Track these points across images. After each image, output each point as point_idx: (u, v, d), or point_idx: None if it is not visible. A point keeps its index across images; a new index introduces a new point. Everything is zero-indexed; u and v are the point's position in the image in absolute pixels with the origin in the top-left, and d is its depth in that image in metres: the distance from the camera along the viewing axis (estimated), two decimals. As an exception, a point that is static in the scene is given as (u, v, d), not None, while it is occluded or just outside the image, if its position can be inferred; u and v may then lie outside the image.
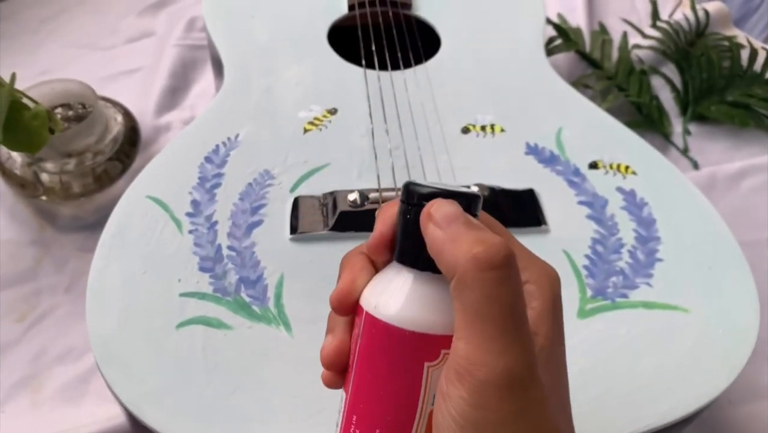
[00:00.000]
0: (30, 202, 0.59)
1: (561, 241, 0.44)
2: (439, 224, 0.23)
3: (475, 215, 0.24)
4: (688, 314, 0.42)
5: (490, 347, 0.21)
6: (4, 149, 0.59)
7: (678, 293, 0.43)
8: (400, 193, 0.30)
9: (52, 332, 0.54)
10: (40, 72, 0.70)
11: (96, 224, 0.58)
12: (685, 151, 0.67)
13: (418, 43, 0.58)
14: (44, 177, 0.58)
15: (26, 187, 0.58)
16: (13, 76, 0.52)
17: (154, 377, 0.37)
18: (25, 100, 0.54)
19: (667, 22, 0.75)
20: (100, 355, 0.38)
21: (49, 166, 0.57)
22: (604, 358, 0.39)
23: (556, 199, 0.47)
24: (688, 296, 0.43)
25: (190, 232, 0.44)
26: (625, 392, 0.38)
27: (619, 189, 0.48)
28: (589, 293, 0.42)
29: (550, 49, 0.70)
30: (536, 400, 0.22)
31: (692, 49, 0.73)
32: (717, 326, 0.41)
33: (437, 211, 0.23)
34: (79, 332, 0.53)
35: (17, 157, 0.58)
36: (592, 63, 0.73)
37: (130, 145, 0.61)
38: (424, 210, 0.24)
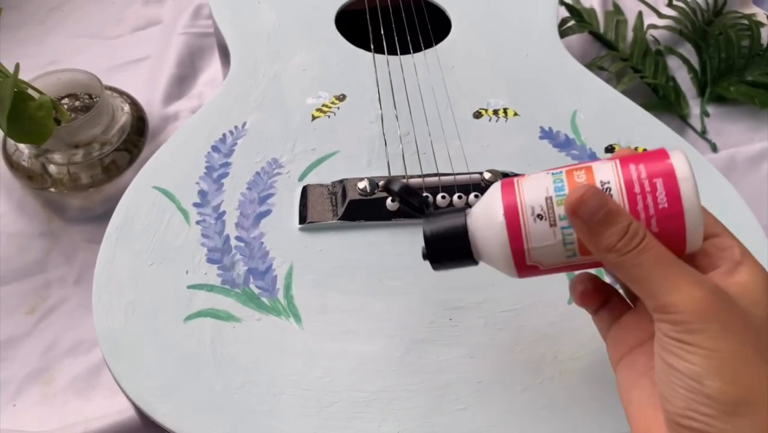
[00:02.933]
0: (38, 194, 0.59)
1: (577, 227, 0.43)
2: None
3: None
4: (710, 301, 0.41)
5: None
6: (11, 141, 0.58)
7: (699, 280, 0.41)
8: None
9: (62, 324, 0.53)
10: (47, 62, 0.69)
11: (105, 214, 0.57)
12: (703, 133, 0.66)
13: (428, 26, 0.57)
14: (52, 168, 0.57)
15: (34, 179, 0.58)
16: (17, 67, 0.51)
17: (162, 371, 0.37)
18: (30, 91, 0.54)
19: (684, 1, 0.73)
20: (108, 349, 0.37)
21: (57, 157, 0.57)
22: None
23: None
24: (709, 282, 0.41)
25: (198, 222, 0.43)
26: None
27: (637, 173, 0.47)
28: (606, 280, 0.41)
29: (563, 31, 0.69)
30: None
31: (710, 28, 0.71)
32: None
33: None
34: (89, 324, 0.52)
35: (24, 149, 0.58)
36: (606, 44, 0.71)
37: (138, 135, 0.61)
38: None
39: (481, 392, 0.37)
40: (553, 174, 0.29)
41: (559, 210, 0.28)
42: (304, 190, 0.45)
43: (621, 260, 0.27)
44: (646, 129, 0.51)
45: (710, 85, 0.68)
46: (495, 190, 0.30)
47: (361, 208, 0.44)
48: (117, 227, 0.43)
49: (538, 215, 0.28)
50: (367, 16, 0.57)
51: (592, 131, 0.50)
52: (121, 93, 0.63)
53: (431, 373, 0.37)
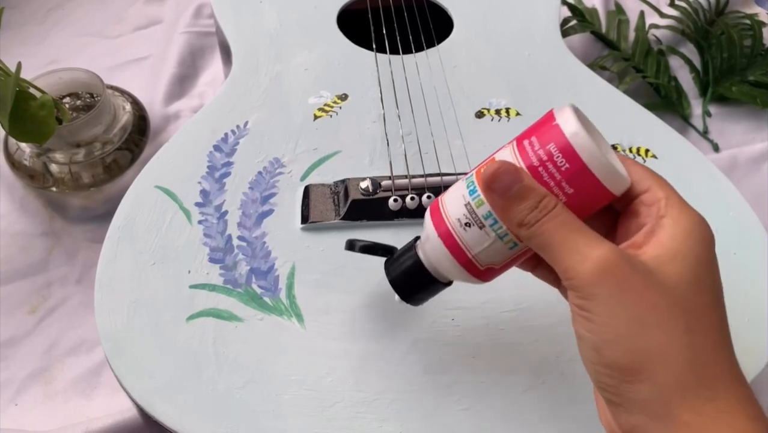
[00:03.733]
0: (40, 194, 0.59)
1: (579, 227, 0.43)
2: None
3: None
4: (712, 301, 0.41)
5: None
6: (13, 140, 0.58)
7: (701, 281, 0.41)
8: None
9: (63, 323, 0.53)
10: (48, 62, 0.69)
11: (106, 214, 0.57)
12: (704, 134, 0.66)
13: (429, 25, 0.57)
14: (53, 168, 0.57)
15: (35, 178, 0.58)
16: (19, 66, 0.51)
17: (165, 371, 0.37)
18: (31, 90, 0.54)
19: (686, 0, 0.73)
20: (110, 349, 0.37)
21: (58, 156, 0.57)
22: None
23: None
24: (711, 283, 0.41)
25: (200, 222, 0.43)
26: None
27: (639, 173, 0.47)
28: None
29: (565, 30, 0.68)
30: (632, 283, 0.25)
31: (712, 28, 0.71)
32: (742, 315, 0.40)
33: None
34: (90, 323, 0.53)
35: (26, 149, 0.58)
36: (608, 44, 0.71)
37: (139, 135, 0.61)
38: None
39: (483, 392, 0.37)
40: (465, 180, 0.30)
41: (480, 210, 0.29)
42: (306, 190, 0.45)
43: (530, 233, 0.27)
44: (649, 129, 0.51)
45: (712, 85, 0.68)
46: (427, 217, 0.32)
47: (364, 208, 0.44)
48: (119, 227, 0.43)
49: (466, 224, 0.29)
50: (369, 15, 0.57)
51: (595, 131, 0.50)
52: (123, 92, 0.63)
53: (433, 373, 0.37)
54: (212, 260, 0.41)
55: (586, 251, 0.25)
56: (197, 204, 0.44)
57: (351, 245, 0.36)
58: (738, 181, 0.60)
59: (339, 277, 0.41)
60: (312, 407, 0.36)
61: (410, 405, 0.36)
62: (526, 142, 0.29)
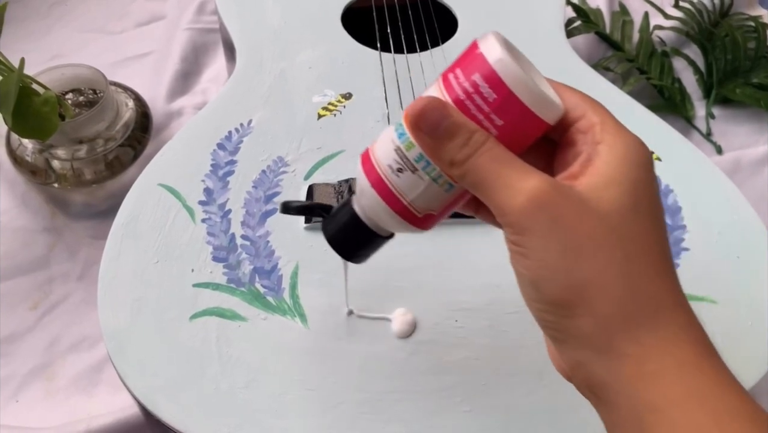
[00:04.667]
0: (42, 190, 0.59)
1: (583, 229, 0.43)
2: None
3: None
4: (716, 305, 0.41)
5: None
6: (15, 136, 0.58)
7: (705, 284, 0.41)
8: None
9: (65, 320, 0.53)
10: (50, 57, 0.69)
11: (108, 211, 0.58)
12: (708, 136, 0.66)
13: (434, 24, 0.57)
14: (55, 164, 0.57)
15: (37, 174, 0.57)
16: (22, 62, 0.51)
17: (168, 370, 0.37)
18: (34, 86, 0.53)
19: (690, 2, 0.73)
20: (113, 347, 0.37)
21: (60, 153, 0.57)
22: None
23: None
24: (715, 286, 0.41)
25: (203, 221, 0.43)
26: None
27: (643, 176, 0.47)
28: (612, 283, 0.41)
29: (569, 31, 0.68)
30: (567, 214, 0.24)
31: (716, 30, 0.71)
32: (746, 318, 0.40)
33: None
34: (91, 320, 0.53)
35: (28, 144, 0.58)
36: (612, 45, 0.71)
37: (142, 131, 0.61)
38: None
39: (487, 393, 0.37)
40: (394, 124, 0.29)
41: (411, 154, 0.27)
42: (310, 189, 0.45)
43: (461, 171, 0.26)
44: (653, 131, 0.51)
45: (716, 87, 0.68)
46: (358, 168, 0.30)
47: (367, 207, 0.43)
48: (122, 224, 0.42)
49: (398, 169, 0.28)
50: (374, 13, 0.57)
51: (599, 133, 0.49)
52: (126, 89, 0.63)
53: (437, 374, 0.37)
54: (216, 259, 0.41)
55: (517, 185, 0.24)
56: (201, 202, 0.44)
57: (286, 208, 0.35)
58: (740, 184, 0.59)
59: (342, 277, 0.41)
60: (315, 408, 0.36)
61: (413, 406, 0.36)
62: (451, 76, 0.27)
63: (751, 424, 0.22)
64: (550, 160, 0.28)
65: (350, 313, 0.39)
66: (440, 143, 0.26)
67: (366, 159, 0.29)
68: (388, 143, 0.28)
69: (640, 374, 0.23)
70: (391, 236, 0.32)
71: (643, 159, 0.25)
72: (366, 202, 0.30)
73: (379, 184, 0.29)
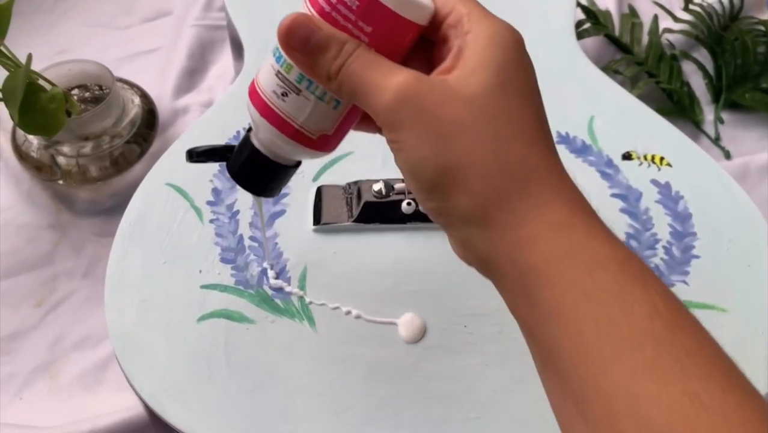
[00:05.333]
0: (47, 186, 0.58)
1: (593, 235, 0.43)
2: None
3: None
4: (726, 313, 0.40)
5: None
6: (21, 132, 0.58)
7: (715, 292, 0.41)
8: None
9: (69, 317, 0.53)
10: (56, 52, 0.69)
11: (113, 208, 0.57)
12: (716, 141, 0.65)
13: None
14: (61, 160, 0.57)
15: (42, 170, 0.57)
16: (29, 57, 0.51)
17: (175, 372, 0.36)
18: (41, 82, 0.53)
19: (700, 5, 0.72)
20: (120, 349, 0.37)
21: (66, 149, 0.56)
22: (638, 359, 0.38)
23: (588, 192, 0.45)
24: (725, 294, 0.41)
25: (211, 221, 0.43)
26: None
27: (654, 181, 0.47)
28: (622, 290, 0.41)
29: (578, 33, 0.68)
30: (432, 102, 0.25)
31: (726, 34, 0.70)
32: (756, 327, 0.40)
33: None
34: (96, 318, 0.53)
35: (33, 140, 0.57)
36: (621, 47, 0.71)
37: (148, 128, 0.60)
38: None
39: (496, 400, 0.36)
40: (272, 49, 0.29)
41: (291, 75, 0.27)
42: (319, 190, 0.45)
43: (337, 83, 0.26)
44: (664, 136, 0.50)
45: (725, 92, 0.67)
46: (247, 102, 0.30)
47: (377, 210, 0.43)
48: (130, 224, 0.42)
49: (282, 93, 0.28)
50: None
51: (609, 138, 0.49)
52: (132, 85, 0.63)
53: (445, 380, 0.37)
54: (224, 260, 0.41)
55: (384, 84, 0.25)
56: (209, 203, 0.44)
57: (191, 155, 0.35)
58: (749, 190, 0.59)
59: (351, 280, 0.41)
60: (324, 412, 0.36)
61: (422, 412, 0.36)
62: None
63: (620, 268, 0.23)
64: (433, 61, 0.28)
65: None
66: (313, 58, 0.26)
67: (252, 90, 0.29)
68: (269, 69, 0.28)
69: (517, 240, 0.24)
70: (297, 164, 0.32)
71: (511, 41, 0.26)
72: (262, 135, 0.30)
73: (267, 112, 0.28)
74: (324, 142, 0.29)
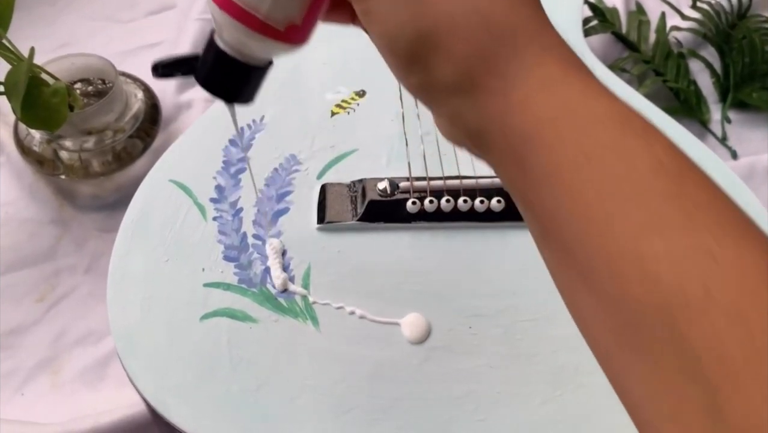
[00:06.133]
0: (49, 181, 0.58)
1: (600, 236, 0.42)
2: None
3: None
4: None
5: None
6: (23, 126, 0.57)
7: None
8: None
9: (71, 313, 0.53)
10: (58, 45, 0.68)
11: (116, 203, 0.57)
12: (723, 140, 0.65)
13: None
14: (63, 155, 0.57)
15: (45, 164, 0.57)
16: (32, 51, 0.50)
17: (178, 371, 0.36)
18: (44, 76, 0.53)
19: (708, 3, 0.72)
20: (122, 347, 0.37)
21: (68, 143, 0.56)
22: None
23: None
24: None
25: (215, 219, 0.42)
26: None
27: (661, 182, 0.46)
28: (628, 292, 0.40)
29: (585, 30, 0.67)
30: None
31: (733, 32, 0.70)
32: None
33: None
34: (98, 314, 0.52)
35: (36, 134, 0.57)
36: (628, 45, 0.70)
37: (151, 123, 0.60)
38: None
39: (500, 402, 0.36)
40: None
41: None
42: (323, 188, 0.44)
43: None
44: (670, 135, 0.49)
45: (732, 91, 0.67)
46: (208, 1, 0.28)
47: (381, 209, 0.43)
48: (132, 221, 0.42)
49: None
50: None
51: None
52: (135, 79, 0.62)
53: (450, 382, 0.37)
54: (227, 258, 0.41)
55: None
56: (212, 200, 0.43)
57: (155, 69, 0.32)
58: (755, 190, 0.59)
59: (355, 280, 0.40)
60: (327, 413, 0.35)
61: (426, 414, 0.36)
62: None
63: (620, 124, 0.21)
64: None
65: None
66: None
67: None
68: None
69: (508, 105, 0.22)
70: (268, 64, 0.30)
71: None
72: (226, 34, 0.28)
73: (228, 6, 0.26)
74: (292, 34, 0.27)
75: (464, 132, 0.24)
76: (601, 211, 0.20)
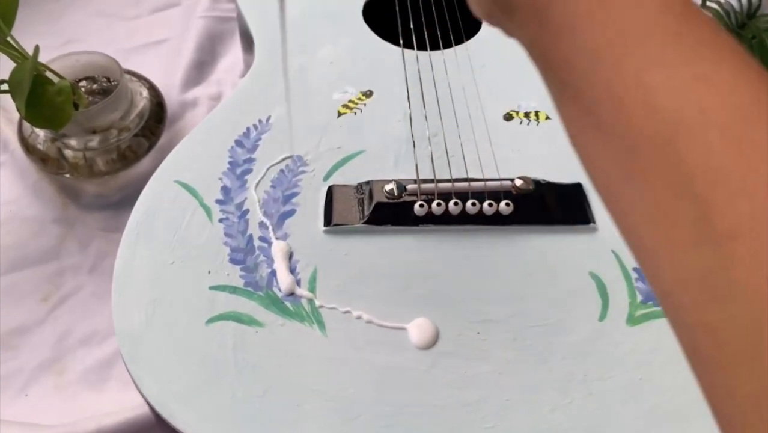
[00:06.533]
0: (54, 179, 0.58)
1: (610, 241, 0.42)
2: None
3: None
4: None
5: None
6: (27, 124, 0.57)
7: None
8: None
9: (75, 313, 0.52)
10: (63, 42, 0.68)
11: (120, 202, 0.57)
12: (733, 141, 0.64)
13: (458, 20, 0.55)
14: (68, 153, 0.56)
15: (49, 163, 0.56)
16: (37, 49, 0.50)
17: (183, 376, 0.36)
18: (48, 74, 0.52)
19: (717, 2, 0.71)
20: (127, 351, 0.36)
21: (73, 142, 0.56)
22: (655, 369, 0.37)
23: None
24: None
25: (221, 220, 0.42)
26: (678, 407, 0.36)
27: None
28: (639, 297, 0.40)
29: (594, 29, 0.67)
30: None
31: (743, 32, 0.69)
32: None
33: None
34: (102, 315, 0.52)
35: (40, 133, 0.56)
36: (637, 44, 0.69)
37: (156, 122, 0.59)
38: None
39: (509, 410, 0.36)
40: None
41: None
42: (330, 190, 0.44)
43: None
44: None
45: (742, 92, 0.66)
46: None
47: (388, 212, 0.42)
48: (137, 223, 0.41)
49: None
50: (397, 8, 0.55)
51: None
52: (140, 77, 0.62)
53: (458, 388, 0.36)
54: (233, 261, 0.40)
55: None
56: (218, 201, 0.43)
57: None
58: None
59: (362, 283, 0.40)
60: (334, 419, 0.35)
61: (434, 421, 0.35)
62: None
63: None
64: None
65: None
66: None
67: None
68: None
69: None
70: None
71: None
72: None
73: None
74: None
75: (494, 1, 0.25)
76: (609, 50, 0.21)
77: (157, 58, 0.68)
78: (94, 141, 0.56)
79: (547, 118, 0.50)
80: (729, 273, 0.18)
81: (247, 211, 0.43)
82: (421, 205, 0.42)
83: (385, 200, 0.43)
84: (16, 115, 0.58)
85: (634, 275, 0.41)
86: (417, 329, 0.38)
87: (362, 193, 0.43)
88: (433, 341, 0.38)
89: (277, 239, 0.41)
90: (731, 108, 0.19)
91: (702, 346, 0.19)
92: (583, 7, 0.22)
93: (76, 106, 0.54)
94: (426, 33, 0.53)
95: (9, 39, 0.50)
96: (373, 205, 0.42)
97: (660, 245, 0.20)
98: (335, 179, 0.45)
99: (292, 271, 0.40)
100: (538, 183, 0.44)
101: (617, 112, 0.21)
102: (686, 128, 0.19)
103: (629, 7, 0.21)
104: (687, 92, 0.20)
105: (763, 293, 0.17)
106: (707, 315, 0.19)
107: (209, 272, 0.40)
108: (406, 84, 0.50)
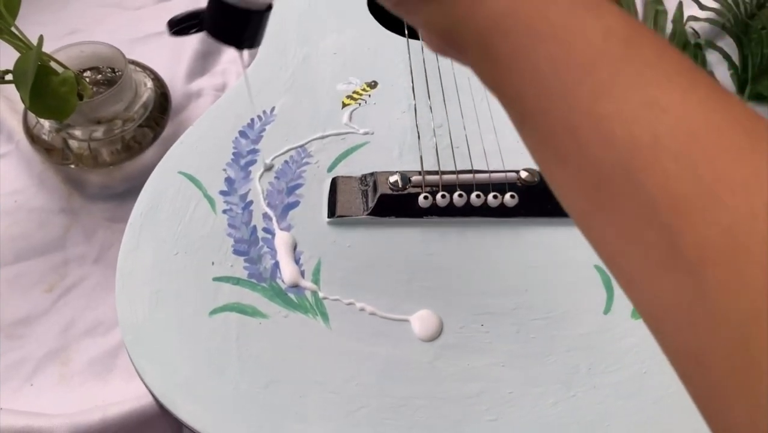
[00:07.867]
0: (58, 170, 0.58)
1: (615, 233, 0.42)
2: None
3: None
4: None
5: None
6: (32, 114, 0.57)
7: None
8: None
9: (80, 303, 0.53)
10: (67, 32, 0.68)
11: (125, 193, 0.57)
12: (740, 133, 0.63)
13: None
14: (72, 144, 0.56)
15: (54, 153, 0.56)
16: (41, 39, 0.50)
17: (186, 367, 0.36)
18: (53, 64, 0.52)
19: (727, -8, 0.70)
20: (131, 342, 0.37)
21: (77, 132, 0.56)
22: (659, 362, 0.37)
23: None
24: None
25: (224, 212, 0.42)
26: (682, 400, 0.36)
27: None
28: (644, 291, 0.40)
29: (601, 20, 0.66)
30: None
31: (752, 22, 0.68)
32: None
33: None
34: (107, 305, 0.52)
35: (45, 123, 0.56)
36: (644, 35, 0.69)
37: (161, 112, 0.59)
38: None
39: (512, 402, 0.36)
40: None
41: None
42: (334, 182, 0.44)
43: None
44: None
45: (750, 83, 0.65)
46: None
47: (392, 203, 0.42)
48: (141, 214, 0.41)
49: None
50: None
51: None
52: (144, 68, 0.61)
53: (461, 381, 0.36)
54: (236, 252, 0.40)
55: None
56: (222, 192, 0.43)
57: (170, 26, 0.35)
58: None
59: (365, 275, 0.40)
60: (337, 411, 0.35)
61: (437, 413, 0.35)
62: None
63: (572, 3, 0.22)
64: None
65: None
66: None
67: None
68: None
69: (472, 2, 0.23)
70: (268, 8, 0.31)
71: None
72: None
73: None
74: None
75: (442, 38, 0.25)
76: (558, 83, 0.21)
77: (161, 49, 0.67)
78: (99, 131, 0.56)
79: (553, 109, 0.49)
80: (705, 301, 0.18)
81: (251, 202, 0.42)
82: (426, 197, 0.42)
83: (390, 192, 0.42)
84: (21, 106, 0.58)
85: (639, 268, 0.40)
86: (420, 321, 0.38)
87: (366, 185, 0.43)
88: (437, 334, 0.38)
89: (281, 230, 0.41)
90: (683, 132, 0.19)
91: (690, 372, 0.19)
92: (524, 42, 0.22)
93: (80, 97, 0.54)
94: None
95: (13, 29, 0.50)
96: (377, 196, 0.42)
97: (636, 273, 0.20)
98: (339, 171, 0.45)
99: (297, 262, 0.40)
100: (542, 176, 0.44)
101: (574, 144, 0.21)
102: (642, 157, 0.19)
103: (570, 38, 0.21)
104: (638, 120, 0.20)
105: (742, 319, 0.17)
106: (691, 342, 0.19)
107: (213, 263, 0.40)
108: (411, 75, 0.50)
